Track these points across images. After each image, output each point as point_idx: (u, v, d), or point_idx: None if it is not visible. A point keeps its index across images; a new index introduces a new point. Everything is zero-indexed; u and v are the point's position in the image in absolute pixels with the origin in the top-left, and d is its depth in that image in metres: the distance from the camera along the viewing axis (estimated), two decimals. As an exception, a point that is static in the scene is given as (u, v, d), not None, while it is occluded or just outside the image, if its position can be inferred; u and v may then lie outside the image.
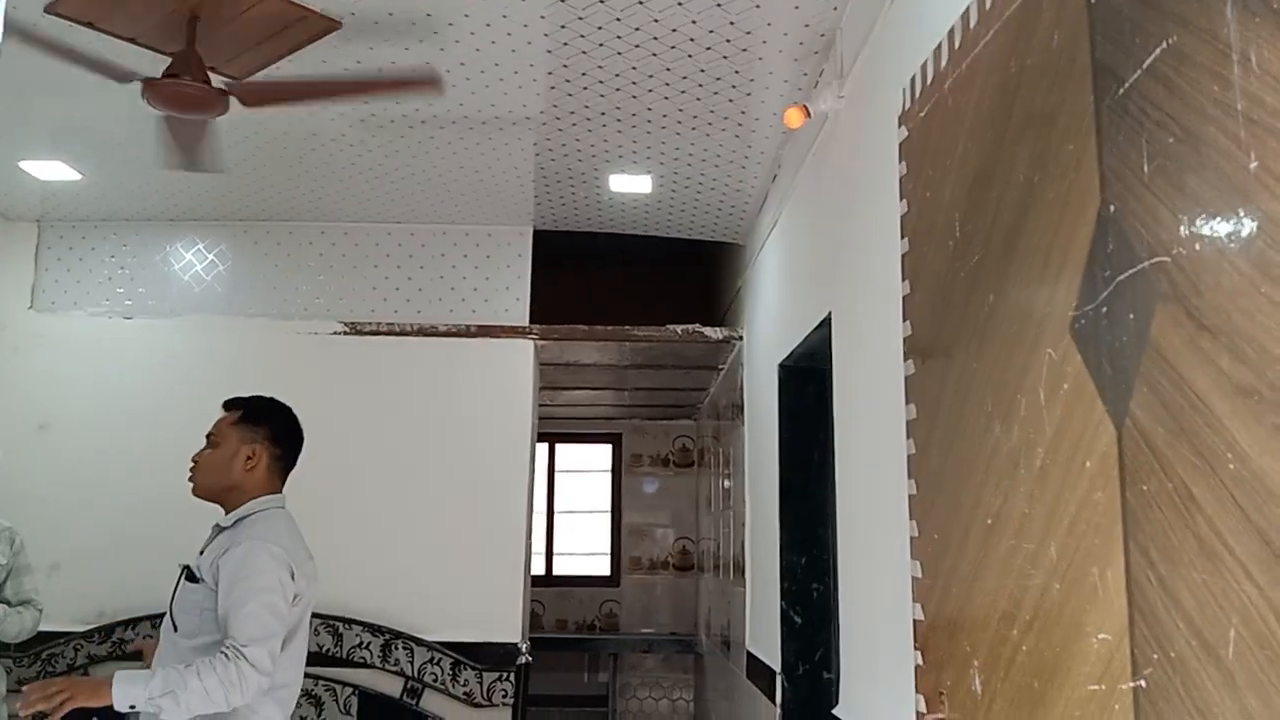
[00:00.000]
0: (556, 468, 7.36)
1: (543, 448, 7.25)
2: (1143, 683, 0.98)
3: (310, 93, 3.02)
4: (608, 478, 7.33)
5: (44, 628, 4.05)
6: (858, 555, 2.49)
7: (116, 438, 4.32)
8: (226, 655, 2.22)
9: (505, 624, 4.31)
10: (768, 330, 3.95)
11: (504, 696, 4.19)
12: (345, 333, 4.51)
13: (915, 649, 1.52)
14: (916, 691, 1.51)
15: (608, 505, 7.28)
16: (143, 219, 4.54)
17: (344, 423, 4.36)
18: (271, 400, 2.65)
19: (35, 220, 4.56)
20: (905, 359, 1.62)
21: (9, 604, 3.38)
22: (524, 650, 4.29)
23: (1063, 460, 1.13)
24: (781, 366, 3.59)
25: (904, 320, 1.65)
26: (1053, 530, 1.14)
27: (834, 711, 2.72)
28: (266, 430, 2.55)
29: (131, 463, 4.30)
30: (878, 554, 2.22)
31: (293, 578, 2.35)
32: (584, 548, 7.27)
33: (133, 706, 2.23)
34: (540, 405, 6.47)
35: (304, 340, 4.47)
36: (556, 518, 7.27)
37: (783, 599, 3.48)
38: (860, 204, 2.43)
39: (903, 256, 1.67)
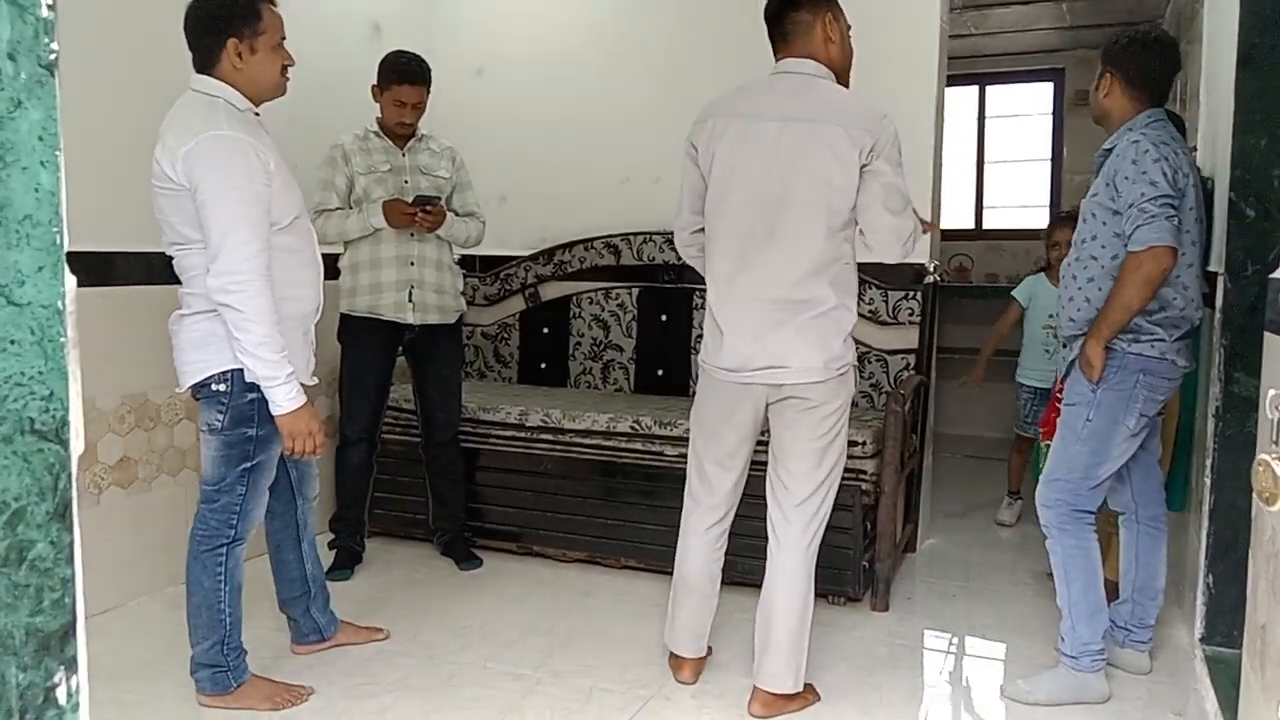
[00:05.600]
0: (987, 114, 6.74)
1: (971, 91, 6.70)
2: None
3: None
4: (1047, 122, 6.60)
5: (498, 251, 4.64)
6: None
7: (542, 79, 4.63)
8: None
9: (912, 245, 4.14)
10: None
11: (910, 315, 4.09)
12: (736, -53, 4.32)
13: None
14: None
15: (1047, 154, 6.61)
16: None
17: (733, 39, 4.26)
18: None
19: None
20: None
21: (457, 214, 3.84)
22: (932, 270, 4.12)
23: None
24: (1249, -97, 2.90)
25: None
26: None
27: (1271, 275, 2.32)
28: None
29: (558, 101, 4.62)
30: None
31: None
32: (1018, 200, 6.74)
33: None
34: (963, 35, 5.91)
35: (697, -38, 4.36)
36: (987, 168, 6.76)
37: (1232, 190, 2.96)
38: None
39: None
